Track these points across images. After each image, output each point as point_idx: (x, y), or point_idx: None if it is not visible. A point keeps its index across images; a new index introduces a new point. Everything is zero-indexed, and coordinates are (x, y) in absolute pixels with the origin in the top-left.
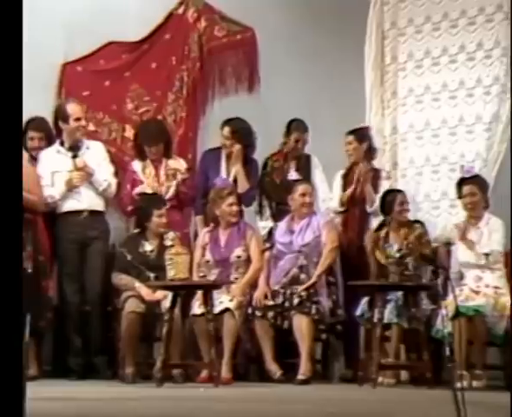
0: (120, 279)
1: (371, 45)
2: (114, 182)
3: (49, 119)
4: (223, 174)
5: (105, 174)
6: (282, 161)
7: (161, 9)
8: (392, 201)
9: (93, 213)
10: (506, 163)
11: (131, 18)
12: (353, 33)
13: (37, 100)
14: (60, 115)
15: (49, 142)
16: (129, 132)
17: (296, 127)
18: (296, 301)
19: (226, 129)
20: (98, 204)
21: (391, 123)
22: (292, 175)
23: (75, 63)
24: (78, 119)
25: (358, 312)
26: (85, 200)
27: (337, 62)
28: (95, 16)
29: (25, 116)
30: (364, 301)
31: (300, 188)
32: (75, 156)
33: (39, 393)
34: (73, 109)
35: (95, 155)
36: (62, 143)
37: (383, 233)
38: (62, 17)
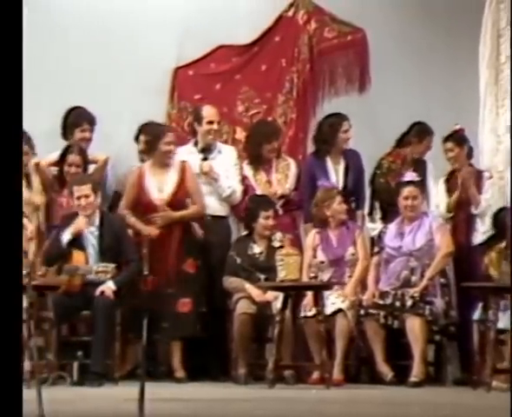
0: (230, 282)
1: (486, 43)
2: (239, 189)
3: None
4: (331, 174)
5: (231, 180)
6: (400, 163)
7: (271, 12)
8: (505, 220)
9: (215, 217)
10: None
11: (241, 22)
12: (467, 31)
13: (151, 104)
14: (195, 116)
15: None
16: (240, 134)
17: (428, 131)
18: (409, 302)
19: (349, 123)
20: (221, 209)
21: (506, 122)
22: (408, 175)
23: (186, 68)
24: (211, 122)
25: (476, 316)
26: (208, 204)
27: (451, 61)
28: (206, 20)
29: (139, 121)
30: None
31: (405, 191)
32: (204, 159)
33: (156, 394)
34: (208, 111)
35: (226, 160)
36: (195, 144)
37: (497, 249)
38: (174, 23)
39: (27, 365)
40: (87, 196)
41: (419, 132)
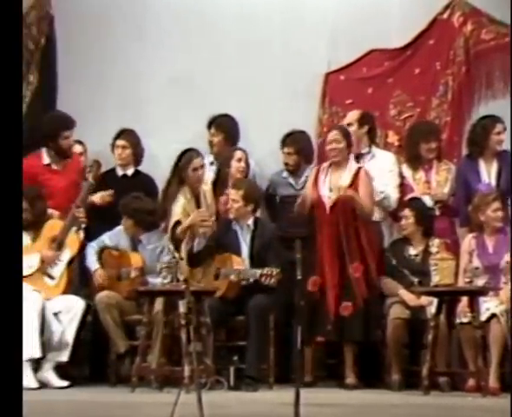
0: (384, 283)
1: None
2: (394, 196)
3: (311, 130)
4: (484, 176)
5: (384, 186)
6: None
7: (425, 14)
8: None
9: None
10: None
11: (393, 26)
12: None
13: (301, 109)
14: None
15: (306, 158)
16: (392, 138)
17: None
18: None
19: (503, 126)
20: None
21: None
22: None
23: (338, 72)
24: (348, 125)
25: None
26: None
27: None
28: (357, 24)
29: (288, 125)
30: None
31: None
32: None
33: (310, 399)
34: (349, 115)
35: (380, 164)
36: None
37: None
38: (325, 27)
39: (187, 370)
40: (235, 201)
41: None
